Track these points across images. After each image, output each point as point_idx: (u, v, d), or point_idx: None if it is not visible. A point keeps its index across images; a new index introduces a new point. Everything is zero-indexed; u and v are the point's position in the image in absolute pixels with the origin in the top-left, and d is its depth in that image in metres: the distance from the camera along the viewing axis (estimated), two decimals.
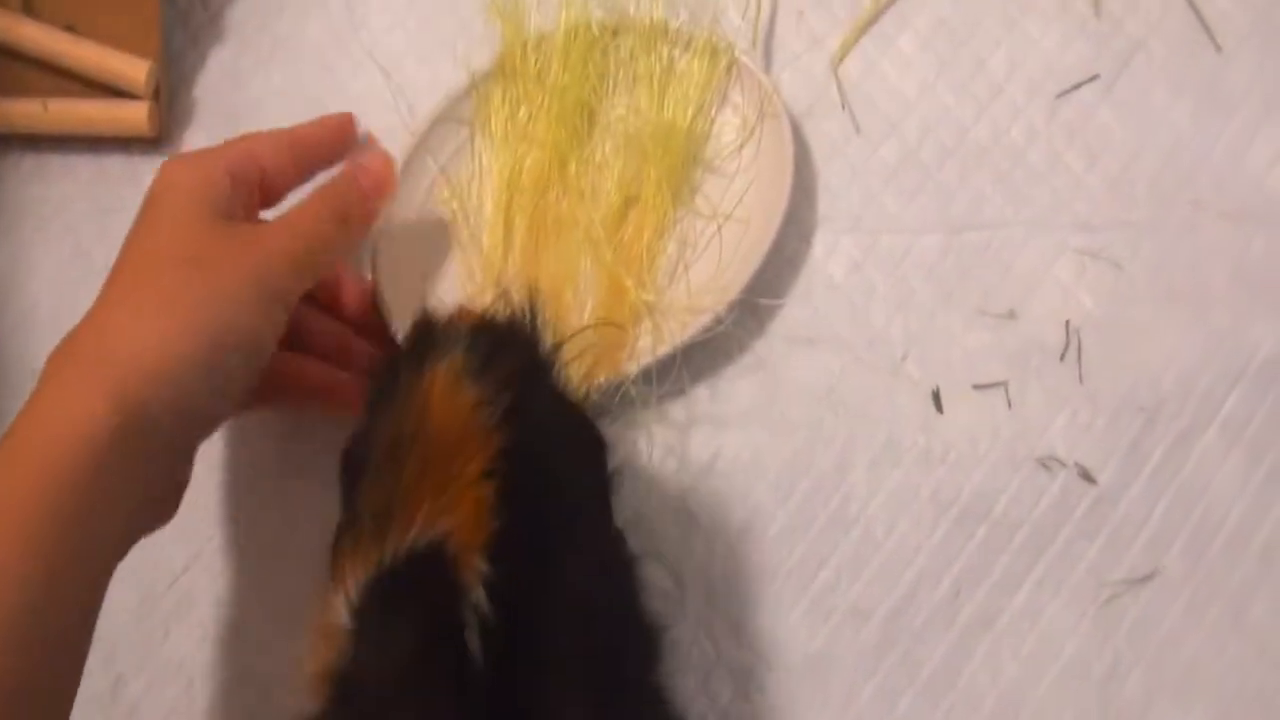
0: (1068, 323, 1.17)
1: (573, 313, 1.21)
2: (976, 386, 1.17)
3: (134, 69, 1.34)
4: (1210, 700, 1.10)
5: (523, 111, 1.26)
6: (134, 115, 1.36)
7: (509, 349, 0.90)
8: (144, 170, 1.39)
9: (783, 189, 1.19)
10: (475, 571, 0.77)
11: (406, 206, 1.27)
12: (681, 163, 1.24)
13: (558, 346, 0.96)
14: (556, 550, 0.83)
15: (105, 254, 1.36)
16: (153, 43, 1.36)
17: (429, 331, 0.91)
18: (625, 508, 1.17)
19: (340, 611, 0.78)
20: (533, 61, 1.26)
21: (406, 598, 0.78)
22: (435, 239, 1.27)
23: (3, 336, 1.38)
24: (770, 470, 1.19)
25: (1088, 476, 1.13)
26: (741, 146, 1.24)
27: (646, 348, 1.19)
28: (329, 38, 1.39)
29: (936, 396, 1.17)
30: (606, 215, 1.23)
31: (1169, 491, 1.14)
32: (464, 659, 0.76)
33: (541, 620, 0.79)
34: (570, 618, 0.81)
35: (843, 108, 1.26)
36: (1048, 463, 1.14)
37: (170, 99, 1.40)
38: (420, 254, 1.26)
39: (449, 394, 0.85)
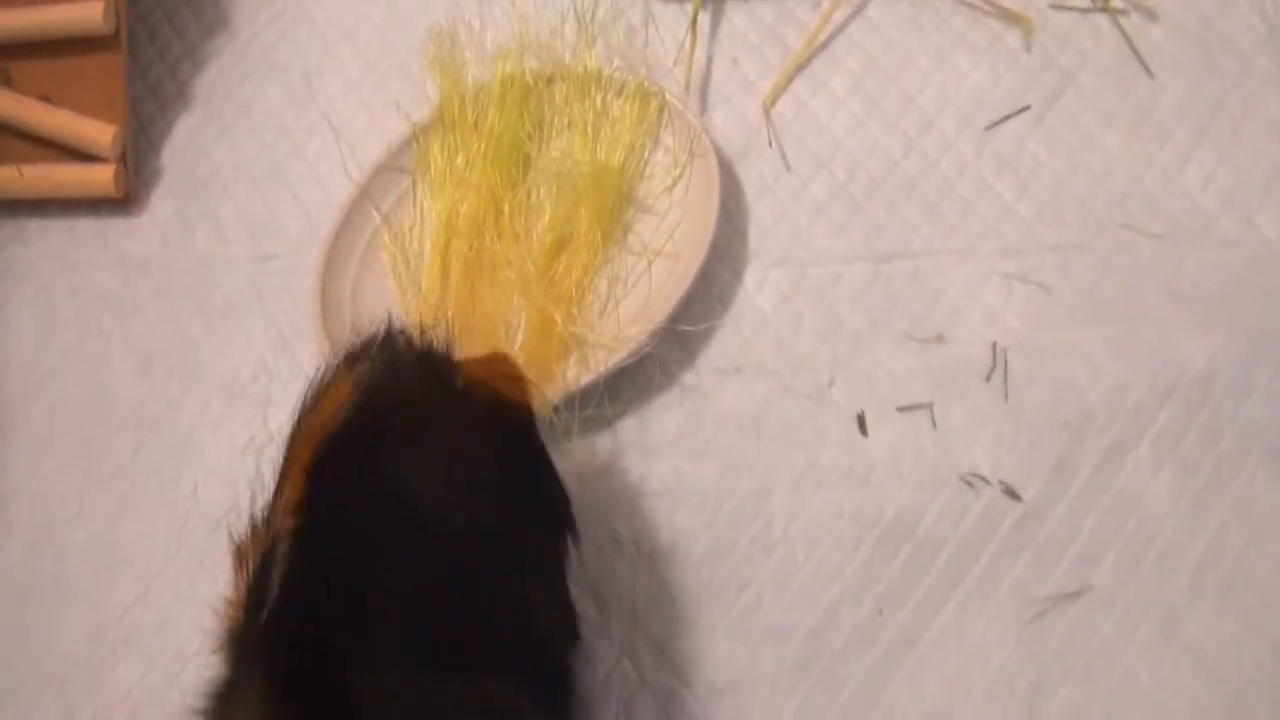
0: (994, 344, 1.15)
1: (504, 348, 1.21)
2: (901, 409, 1.14)
3: (102, 133, 1.38)
4: (1143, 716, 1.04)
5: (460, 159, 1.29)
6: (102, 177, 1.40)
7: (402, 359, 0.99)
8: (112, 230, 1.43)
9: (709, 222, 1.20)
10: (285, 527, 0.88)
11: (348, 254, 1.28)
12: (613, 202, 1.25)
13: (449, 362, 1.01)
14: (392, 529, 0.90)
15: (74, 308, 1.41)
16: (119, 110, 1.41)
17: (353, 348, 0.99)
18: None
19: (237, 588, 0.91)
20: (470, 111, 1.29)
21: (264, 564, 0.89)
22: (375, 283, 1.28)
23: None
24: (695, 495, 1.17)
25: (1012, 493, 1.10)
26: (672, 185, 1.26)
27: (574, 378, 1.19)
28: (287, 103, 1.43)
29: (861, 420, 1.15)
30: (539, 255, 1.24)
31: (1097, 507, 1.10)
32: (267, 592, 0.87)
33: (359, 580, 0.88)
34: (391, 587, 0.89)
35: (772, 146, 1.26)
36: (972, 480, 1.11)
37: (139, 164, 1.44)
38: (361, 298, 1.28)
39: (334, 397, 0.94)
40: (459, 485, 0.96)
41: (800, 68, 1.29)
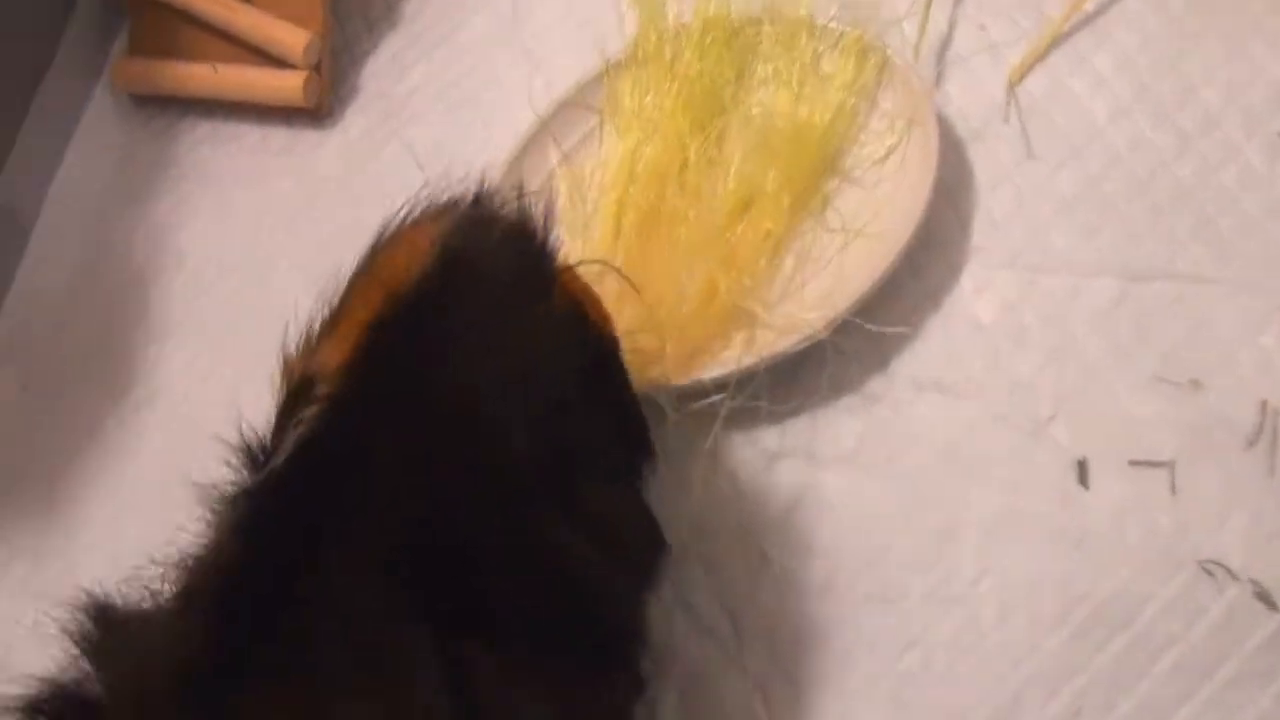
0: (1265, 403, 0.69)
1: (669, 308, 0.81)
2: (1134, 463, 0.71)
3: (295, 39, 1.01)
4: None
5: (649, 99, 0.87)
6: (291, 84, 1.03)
7: (493, 225, 0.66)
8: (302, 143, 1.06)
9: (920, 203, 0.78)
10: (323, 392, 0.61)
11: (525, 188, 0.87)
12: (812, 167, 0.83)
13: (548, 246, 0.67)
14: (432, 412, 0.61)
15: (252, 215, 1.05)
16: (317, 19, 1.04)
17: (441, 203, 0.68)
18: (682, 521, 0.76)
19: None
20: (667, 49, 0.86)
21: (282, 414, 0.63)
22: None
23: (149, 277, 1.06)
24: (865, 522, 0.76)
25: (1267, 598, 0.65)
26: (885, 157, 0.83)
27: (733, 358, 0.78)
28: (493, 31, 1.05)
29: (1083, 468, 0.72)
30: (719, 214, 0.83)
31: None
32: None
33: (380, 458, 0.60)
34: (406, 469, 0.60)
35: (1013, 125, 0.83)
36: (1214, 570, 0.68)
37: (337, 79, 1.06)
38: None
39: (411, 247, 0.64)
40: (535, 392, 0.63)
41: (1059, 39, 0.84)
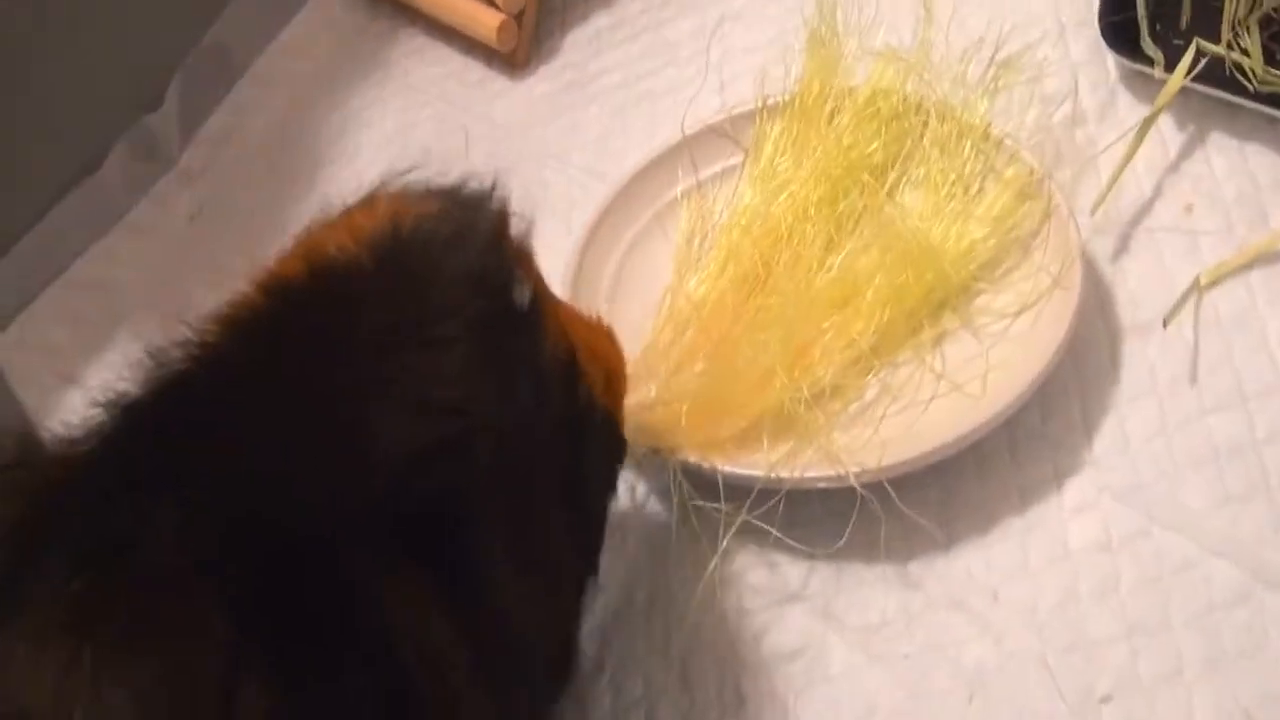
0: None
1: (719, 379, 0.56)
2: None
3: None
4: None
5: (788, 155, 0.59)
6: (488, 23, 0.80)
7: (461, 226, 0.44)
8: (493, 82, 0.82)
9: (1031, 379, 0.52)
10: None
11: (639, 209, 0.66)
12: (927, 293, 0.57)
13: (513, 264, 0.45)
14: None
15: (427, 138, 0.81)
16: None
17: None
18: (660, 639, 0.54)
19: None
20: (826, 107, 0.58)
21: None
22: (655, 250, 0.64)
23: (324, 159, 0.84)
24: (856, 708, 0.51)
25: None
26: (1017, 314, 0.55)
27: (761, 462, 0.53)
28: (692, 38, 0.76)
29: None
30: (807, 303, 0.57)
31: None
32: None
33: None
34: None
35: (1179, 329, 0.53)
36: None
37: (539, 35, 0.81)
38: (633, 259, 0.65)
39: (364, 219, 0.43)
40: (437, 425, 0.40)
41: (1271, 256, 0.54)
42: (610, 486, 0.51)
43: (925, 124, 0.59)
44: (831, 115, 0.61)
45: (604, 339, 0.50)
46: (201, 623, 0.36)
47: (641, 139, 0.72)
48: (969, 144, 0.58)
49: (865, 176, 0.58)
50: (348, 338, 0.40)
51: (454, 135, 0.81)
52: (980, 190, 0.57)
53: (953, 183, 0.57)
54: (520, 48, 0.80)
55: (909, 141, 0.59)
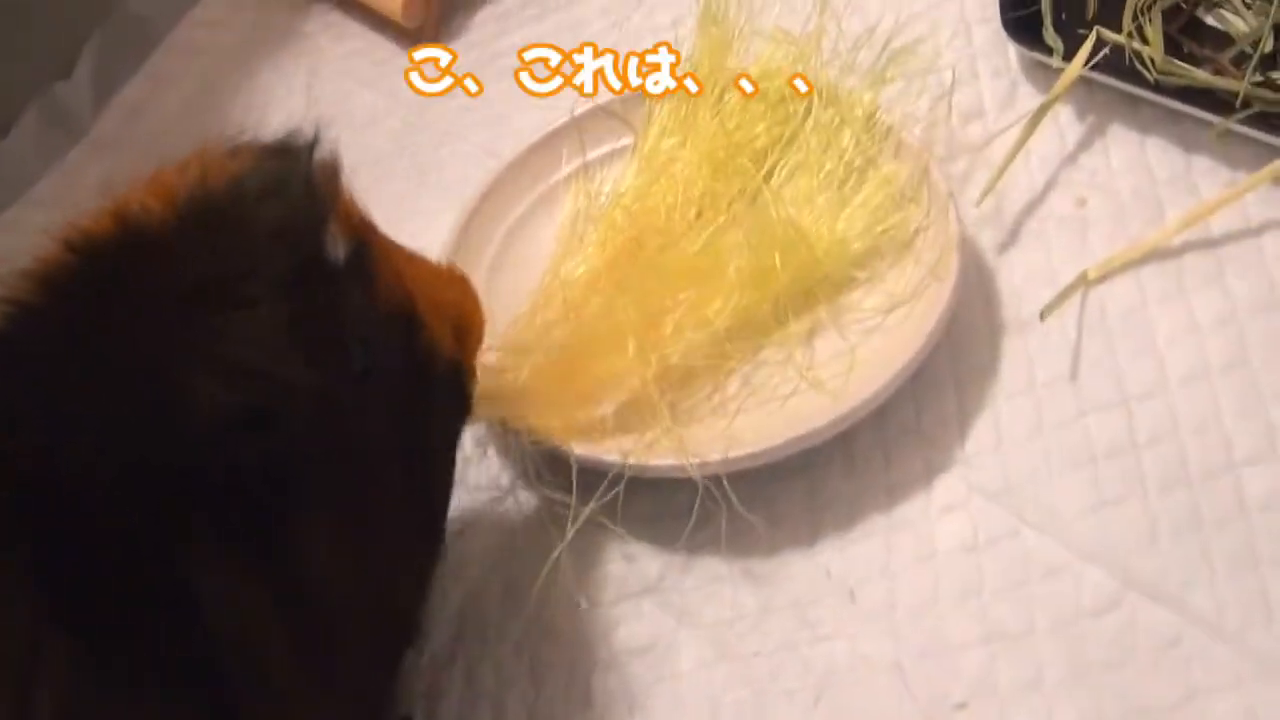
0: None
1: (579, 354, 0.53)
2: None
3: None
4: None
5: (677, 139, 0.55)
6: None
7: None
8: (399, 58, 0.78)
9: (890, 376, 0.49)
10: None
11: (528, 185, 0.63)
12: (793, 282, 0.53)
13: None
14: None
15: (329, 115, 0.76)
16: None
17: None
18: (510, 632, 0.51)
19: None
20: (715, 88, 0.55)
21: None
22: (538, 228, 0.61)
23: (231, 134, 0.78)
24: (702, 705, 0.48)
25: None
26: (891, 309, 0.50)
27: (613, 447, 0.50)
28: (603, 11, 0.73)
29: None
30: (674, 276, 0.53)
31: None
32: None
33: None
34: None
35: (1062, 326, 0.50)
36: None
37: (448, 11, 0.78)
38: (519, 235, 0.62)
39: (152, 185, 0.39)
40: (262, 386, 0.37)
41: (1163, 252, 0.52)
42: (454, 443, 0.47)
43: (809, 110, 0.56)
44: (720, 96, 0.58)
45: (454, 287, 0.47)
46: (1, 581, 0.34)
47: (544, 119, 0.69)
48: (851, 132, 0.55)
49: (745, 161, 0.55)
50: (153, 297, 0.37)
51: (358, 111, 0.78)
52: (861, 180, 0.54)
53: (828, 171, 0.54)
54: (428, 25, 0.77)
55: (792, 127, 0.56)
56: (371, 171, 0.72)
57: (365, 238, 0.42)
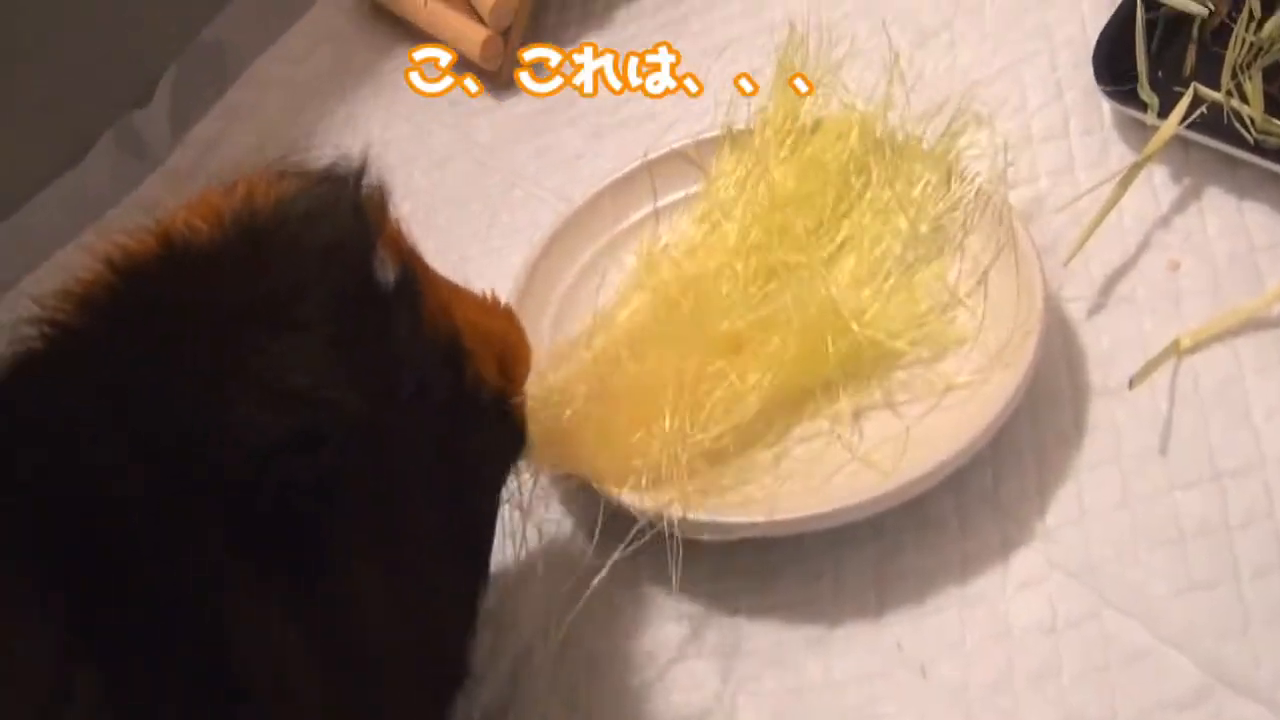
0: None
1: (627, 413, 0.51)
2: None
3: None
4: None
5: (738, 192, 0.55)
6: (472, 38, 0.79)
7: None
8: (475, 101, 0.78)
9: (966, 444, 0.47)
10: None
11: (598, 229, 0.63)
12: (842, 362, 0.52)
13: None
14: None
15: (405, 153, 0.77)
16: None
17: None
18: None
19: None
20: (785, 143, 0.54)
21: None
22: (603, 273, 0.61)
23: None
24: None
25: None
26: (955, 386, 0.51)
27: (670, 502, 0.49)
28: (680, 59, 0.70)
29: None
30: (717, 355, 0.51)
31: None
32: None
33: None
34: None
35: (1152, 397, 0.48)
36: None
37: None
38: (587, 281, 0.61)
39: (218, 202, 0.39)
40: (309, 415, 0.36)
41: (1260, 322, 0.50)
42: (500, 478, 0.47)
43: (870, 179, 0.54)
44: (793, 150, 0.57)
45: (499, 319, 0.46)
46: (32, 611, 0.33)
47: (614, 165, 0.68)
48: (923, 185, 0.53)
49: (802, 227, 0.53)
50: (197, 319, 0.36)
51: (433, 150, 0.78)
52: (932, 252, 0.52)
53: (885, 249, 0.52)
54: (505, 66, 0.77)
55: (853, 196, 0.55)
56: (444, 211, 0.73)
57: (412, 265, 0.42)
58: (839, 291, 0.51)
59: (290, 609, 0.36)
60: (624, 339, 0.52)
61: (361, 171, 0.42)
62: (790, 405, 0.51)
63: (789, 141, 0.56)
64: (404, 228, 0.43)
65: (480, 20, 0.77)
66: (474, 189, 0.73)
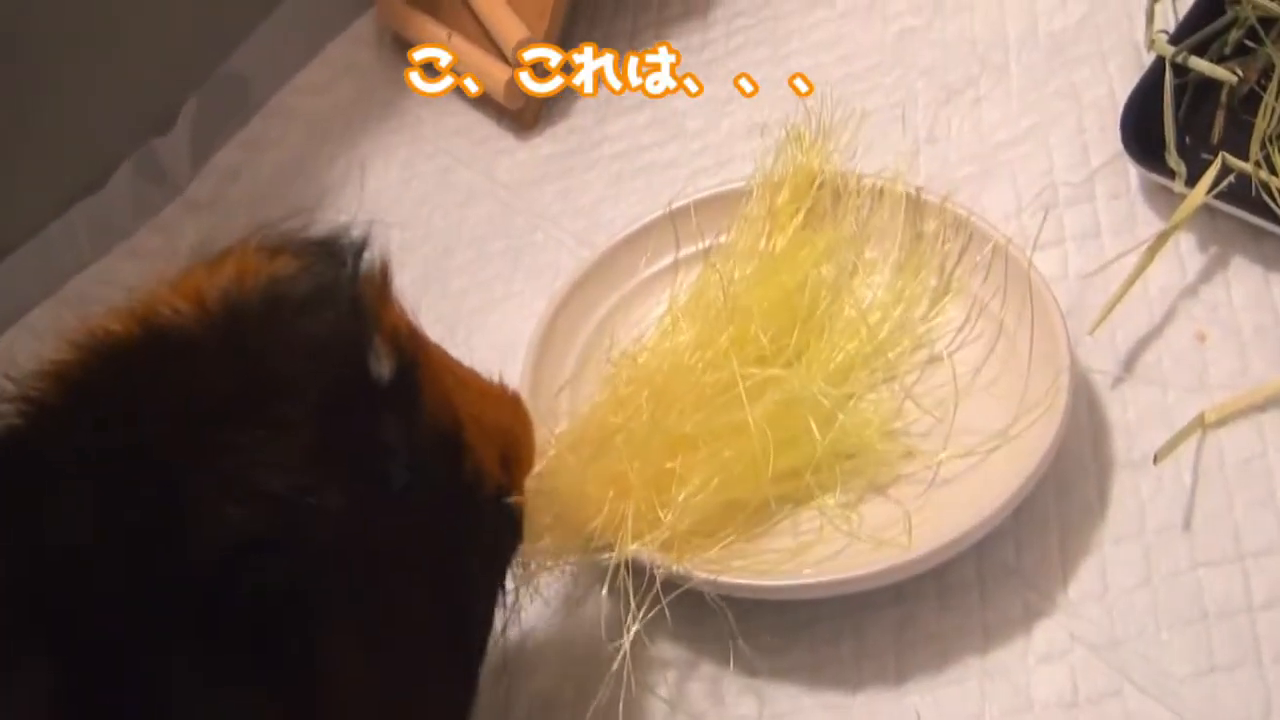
0: None
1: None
2: None
3: (513, 34, 0.76)
4: None
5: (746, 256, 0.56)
6: (497, 78, 0.78)
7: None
8: (500, 139, 0.79)
9: (990, 514, 0.47)
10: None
11: (615, 281, 0.62)
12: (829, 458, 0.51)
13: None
14: None
15: (424, 191, 0.77)
16: (542, 26, 0.76)
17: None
18: None
19: None
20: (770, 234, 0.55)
21: None
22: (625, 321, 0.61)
23: (328, 199, 0.81)
24: None
25: None
26: (990, 449, 0.51)
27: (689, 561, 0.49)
28: (702, 107, 0.72)
29: None
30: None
31: None
32: None
33: None
34: None
35: (1177, 471, 0.48)
36: None
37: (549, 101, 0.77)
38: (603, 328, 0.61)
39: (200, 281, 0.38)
40: (276, 510, 0.35)
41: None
42: (497, 575, 0.45)
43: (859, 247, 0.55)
44: (794, 222, 0.56)
45: (505, 410, 0.45)
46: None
47: (636, 211, 0.69)
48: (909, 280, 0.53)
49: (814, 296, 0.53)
50: (174, 410, 0.35)
51: (455, 189, 0.78)
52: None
53: (862, 342, 0.52)
54: (529, 107, 0.77)
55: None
56: (466, 252, 0.73)
57: (413, 353, 0.40)
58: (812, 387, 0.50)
59: (266, 706, 0.35)
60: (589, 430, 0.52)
61: (362, 248, 0.40)
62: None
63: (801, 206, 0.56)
64: (406, 312, 0.42)
65: (504, 59, 0.77)
66: (496, 229, 0.73)
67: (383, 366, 0.38)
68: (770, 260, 0.56)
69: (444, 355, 0.43)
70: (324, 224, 0.42)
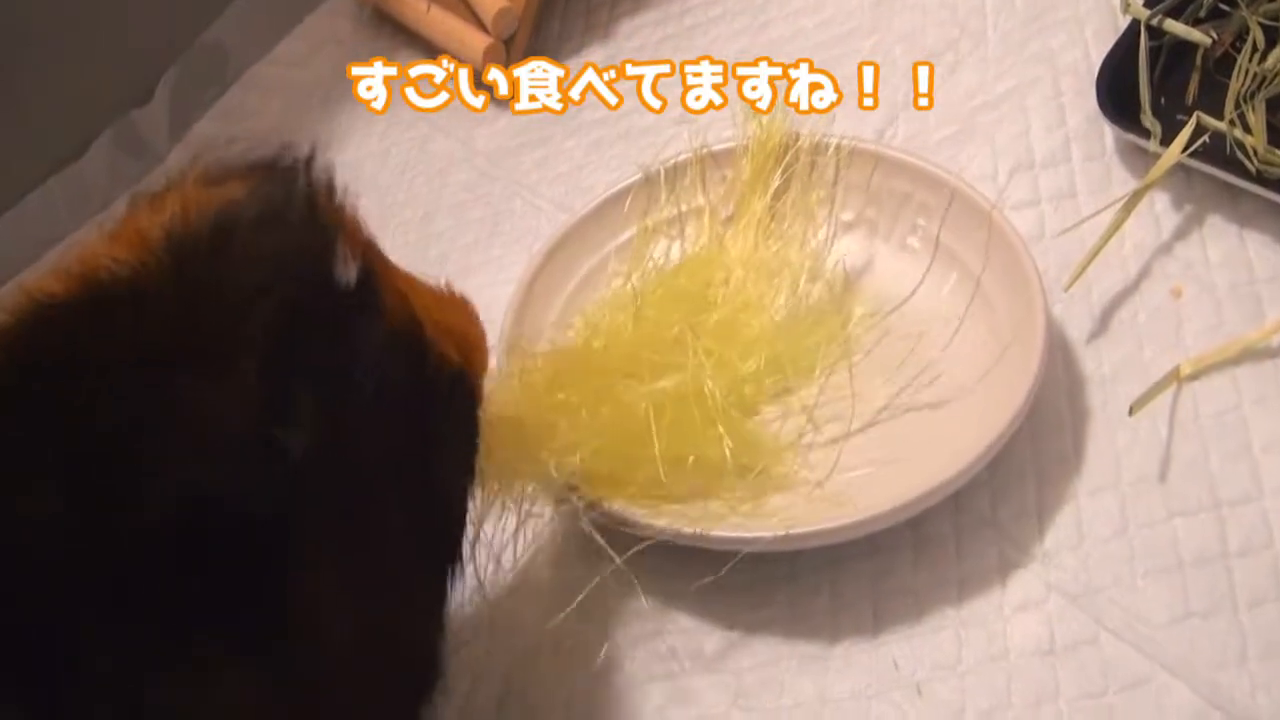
0: None
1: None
2: None
3: (491, 2, 0.71)
4: None
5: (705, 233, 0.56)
6: (474, 46, 0.77)
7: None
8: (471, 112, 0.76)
9: (965, 465, 0.47)
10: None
11: (602, 239, 0.62)
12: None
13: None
14: None
15: (403, 159, 0.76)
16: None
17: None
18: None
19: None
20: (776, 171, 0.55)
21: None
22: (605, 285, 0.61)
23: None
24: None
25: None
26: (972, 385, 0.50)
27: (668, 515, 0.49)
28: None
29: None
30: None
31: None
32: None
33: None
34: None
35: (1153, 424, 0.48)
36: None
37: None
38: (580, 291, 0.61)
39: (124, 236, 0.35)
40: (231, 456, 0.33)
41: (1264, 351, 0.49)
42: (468, 456, 0.44)
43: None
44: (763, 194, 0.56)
45: (458, 311, 0.44)
46: None
47: (614, 177, 0.68)
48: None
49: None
50: (117, 365, 0.33)
51: (434, 158, 0.77)
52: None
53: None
54: (518, 38, 0.76)
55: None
56: (445, 219, 0.72)
57: (370, 259, 0.39)
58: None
59: (251, 657, 0.34)
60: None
61: (309, 162, 0.38)
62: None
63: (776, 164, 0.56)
64: (358, 217, 0.40)
65: (483, 28, 0.76)
66: (474, 197, 0.73)
67: (349, 271, 0.37)
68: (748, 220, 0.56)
69: (391, 261, 0.42)
70: (265, 149, 0.40)
